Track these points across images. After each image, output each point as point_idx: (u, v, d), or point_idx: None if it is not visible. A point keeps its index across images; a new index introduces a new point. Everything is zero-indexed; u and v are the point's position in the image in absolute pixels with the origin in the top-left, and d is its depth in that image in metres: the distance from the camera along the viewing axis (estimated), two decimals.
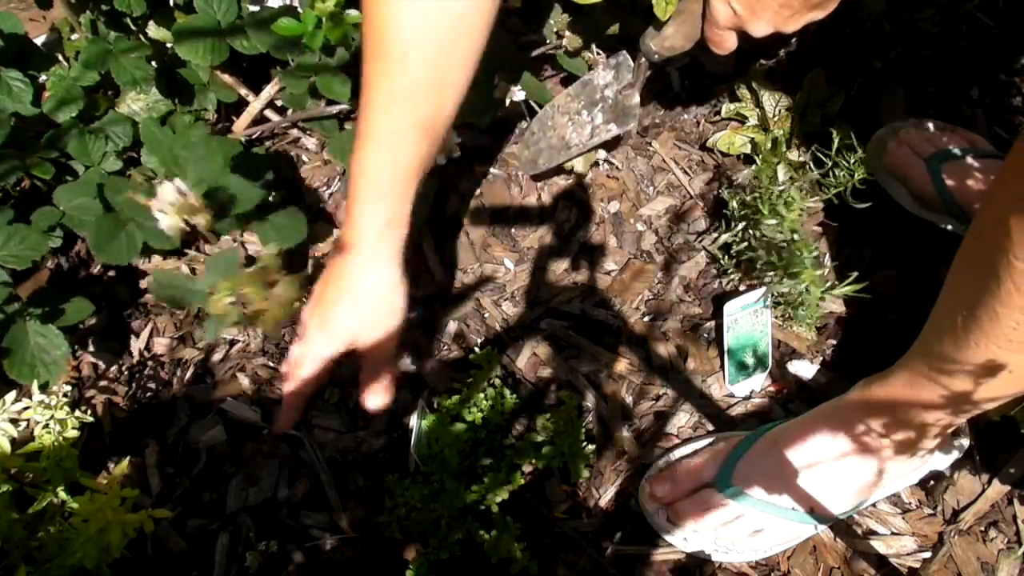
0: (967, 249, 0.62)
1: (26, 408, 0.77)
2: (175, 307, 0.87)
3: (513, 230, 1.01)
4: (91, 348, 0.94)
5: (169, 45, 0.97)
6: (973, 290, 0.58)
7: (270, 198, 0.91)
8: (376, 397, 0.76)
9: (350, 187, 0.69)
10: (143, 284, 0.99)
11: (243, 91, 1.03)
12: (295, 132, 1.09)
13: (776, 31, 0.76)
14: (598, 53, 1.01)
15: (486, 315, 0.96)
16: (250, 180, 0.87)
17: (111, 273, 0.99)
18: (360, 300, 0.72)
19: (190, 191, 0.76)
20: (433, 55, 0.62)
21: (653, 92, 1.10)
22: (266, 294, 0.79)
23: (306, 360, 0.73)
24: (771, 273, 0.89)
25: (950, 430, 0.79)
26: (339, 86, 0.90)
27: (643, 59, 0.89)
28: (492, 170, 1.04)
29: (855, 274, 0.83)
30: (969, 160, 0.93)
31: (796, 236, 0.86)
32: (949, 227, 0.95)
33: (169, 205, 0.76)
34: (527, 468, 0.86)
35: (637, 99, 0.94)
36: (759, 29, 0.77)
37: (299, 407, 0.76)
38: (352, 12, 0.86)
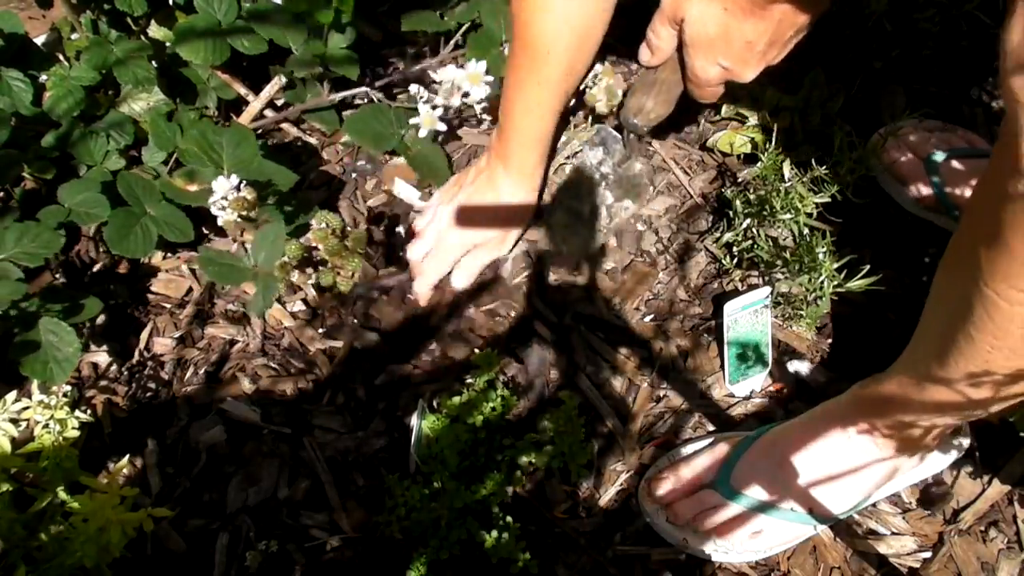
0: (946, 267, 0.63)
1: (26, 408, 0.77)
2: (224, 283, 0.94)
3: None
4: (91, 348, 0.94)
5: (169, 45, 0.97)
6: (951, 311, 0.59)
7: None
8: (461, 276, 0.96)
9: (504, 141, 0.91)
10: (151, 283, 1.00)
11: (243, 90, 1.03)
12: (295, 131, 1.09)
13: (766, 68, 0.78)
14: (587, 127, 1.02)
15: (486, 315, 0.96)
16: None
17: (120, 270, 1.00)
18: (500, 199, 0.93)
19: (243, 188, 0.78)
20: (566, 52, 0.82)
21: None
22: (341, 246, 0.82)
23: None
24: (781, 270, 0.89)
25: (949, 431, 0.79)
26: (349, 63, 0.91)
27: (631, 133, 0.92)
28: None
29: (867, 267, 0.83)
30: (969, 160, 0.93)
31: (807, 231, 0.86)
32: (948, 227, 0.95)
33: (225, 200, 0.78)
34: (527, 468, 0.86)
35: (639, 166, 0.97)
36: (749, 74, 0.80)
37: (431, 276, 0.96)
38: None
